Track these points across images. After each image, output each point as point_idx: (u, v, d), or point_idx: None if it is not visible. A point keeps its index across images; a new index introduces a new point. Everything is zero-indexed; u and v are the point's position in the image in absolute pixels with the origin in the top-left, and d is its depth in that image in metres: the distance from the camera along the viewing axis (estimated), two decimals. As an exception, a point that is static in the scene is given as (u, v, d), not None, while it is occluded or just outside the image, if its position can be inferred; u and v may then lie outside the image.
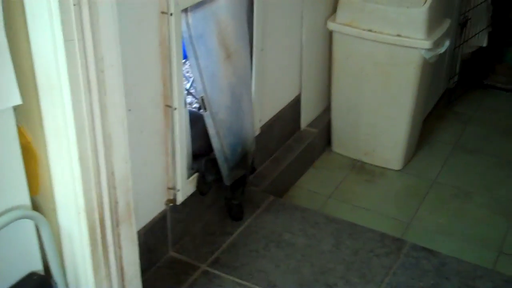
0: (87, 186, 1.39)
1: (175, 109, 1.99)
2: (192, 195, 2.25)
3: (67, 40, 1.24)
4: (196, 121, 2.18)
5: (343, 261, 2.25)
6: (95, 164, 1.40)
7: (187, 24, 1.96)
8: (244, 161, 2.36)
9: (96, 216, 1.46)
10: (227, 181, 2.29)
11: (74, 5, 1.22)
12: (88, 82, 1.31)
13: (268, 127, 2.71)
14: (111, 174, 1.47)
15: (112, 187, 1.48)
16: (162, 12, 1.85)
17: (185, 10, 1.93)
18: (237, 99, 2.29)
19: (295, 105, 2.91)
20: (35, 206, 1.48)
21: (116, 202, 1.51)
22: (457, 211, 2.77)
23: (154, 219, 2.12)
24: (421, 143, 3.20)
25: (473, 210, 2.78)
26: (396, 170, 3.04)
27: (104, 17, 1.30)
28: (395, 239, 2.37)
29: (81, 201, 1.41)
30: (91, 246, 1.47)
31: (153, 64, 1.91)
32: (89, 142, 1.36)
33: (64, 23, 1.22)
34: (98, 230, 1.47)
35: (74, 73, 1.28)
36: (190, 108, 2.47)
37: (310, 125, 3.06)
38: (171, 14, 1.85)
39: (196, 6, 1.97)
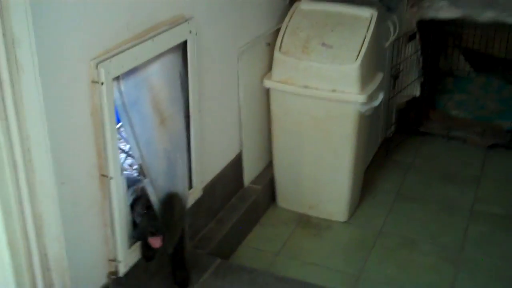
0: (18, 271, 1.32)
1: (111, 178, 1.94)
2: (135, 265, 2.18)
3: (-11, 120, 1.19)
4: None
5: (294, 323, 2.20)
6: (26, 247, 1.33)
7: (120, 91, 1.93)
8: (182, 218, 2.30)
9: (29, 302, 1.38)
10: (169, 248, 2.23)
11: (-4, 84, 1.18)
12: (13, 163, 1.26)
13: (211, 188, 2.68)
14: (44, 256, 1.40)
15: (46, 269, 1.42)
16: (93, 81, 1.81)
17: (117, 78, 1.91)
18: (173, 165, 2.25)
19: (237, 163, 2.90)
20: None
21: (52, 284, 1.44)
22: (405, 261, 2.79)
23: (95, 294, 2.03)
24: (364, 194, 3.23)
25: (420, 259, 2.80)
26: (342, 222, 3.04)
27: (28, 94, 1.26)
28: (345, 295, 2.35)
29: (11, 288, 1.33)
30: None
31: (85, 135, 1.86)
32: (18, 225, 1.29)
33: (-15, 103, 1.18)
34: (31, 318, 1.39)
35: (-3, 154, 1.23)
36: (129, 172, 2.42)
37: (254, 182, 3.05)
38: (102, 83, 1.81)
39: (128, 73, 1.95)
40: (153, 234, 2.10)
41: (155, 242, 2.11)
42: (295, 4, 2.94)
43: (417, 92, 3.66)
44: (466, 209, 3.14)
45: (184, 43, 2.24)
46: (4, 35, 1.16)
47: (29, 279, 1.36)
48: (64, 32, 1.67)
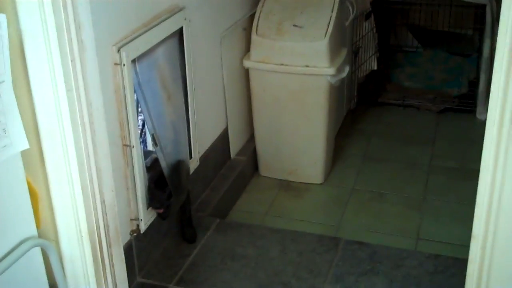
0: (88, 211, 1.64)
1: (133, 147, 2.26)
2: (150, 225, 2.50)
3: (68, 90, 1.51)
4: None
5: (291, 262, 2.57)
6: (93, 193, 1.65)
7: (136, 72, 2.25)
8: (187, 180, 2.64)
9: (96, 238, 1.70)
10: (177, 206, 2.57)
11: (71, 61, 1.50)
12: (83, 124, 1.58)
13: (205, 159, 3.02)
14: (103, 201, 1.72)
15: (104, 213, 1.74)
16: (115, 64, 2.13)
17: (133, 61, 2.23)
18: (178, 134, 2.59)
19: (224, 137, 3.25)
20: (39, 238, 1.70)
21: (108, 226, 1.76)
22: (376, 211, 3.19)
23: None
24: (335, 159, 3.62)
25: (389, 208, 3.20)
26: (319, 184, 3.43)
27: (91, 69, 1.59)
28: (331, 238, 2.74)
29: (84, 226, 1.65)
30: (95, 265, 1.70)
31: (110, 110, 2.18)
32: (87, 175, 1.62)
33: (65, 75, 1.49)
34: (98, 251, 1.71)
35: (74, 118, 1.54)
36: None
37: (239, 153, 3.40)
38: (124, 65, 2.14)
39: (141, 56, 2.28)
40: (157, 208, 2.45)
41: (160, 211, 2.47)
42: (266, -8, 3.30)
43: (374, 66, 4.07)
44: (425, 164, 3.58)
45: (180, 30, 2.57)
46: (74, 20, 1.47)
47: (95, 219, 1.68)
48: (93, 21, 1.99)
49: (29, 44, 1.48)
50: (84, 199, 1.62)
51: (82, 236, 1.67)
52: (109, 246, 1.78)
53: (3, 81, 1.45)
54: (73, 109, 1.54)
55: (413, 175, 3.48)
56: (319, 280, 2.47)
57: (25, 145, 1.53)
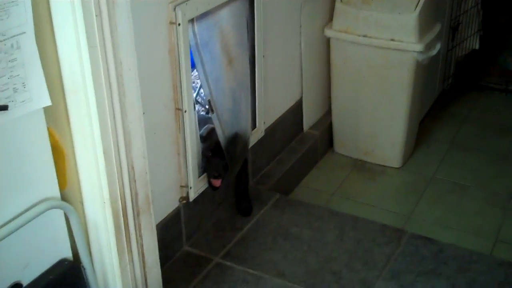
0: (111, 178, 1.56)
1: (185, 111, 2.16)
2: (202, 194, 2.41)
3: (91, 46, 1.41)
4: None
5: (347, 251, 2.39)
6: (118, 158, 1.56)
7: (194, 33, 2.13)
8: (244, 151, 2.52)
9: (120, 206, 1.62)
10: (231, 175, 2.45)
11: (96, 15, 1.39)
12: (109, 84, 1.48)
13: (272, 130, 2.87)
14: (131, 168, 1.63)
15: (132, 180, 1.65)
16: (171, 23, 2.02)
17: (192, 20, 2.11)
18: (238, 102, 2.45)
19: (297, 108, 3.08)
20: (63, 199, 1.64)
21: (136, 194, 1.67)
22: (455, 205, 2.92)
23: (168, 215, 2.28)
24: (418, 142, 3.35)
25: (469, 203, 2.92)
26: (396, 168, 3.19)
27: (122, 26, 1.47)
28: (395, 229, 2.52)
29: (106, 192, 1.57)
30: (116, 233, 1.62)
31: (163, 71, 2.08)
32: (111, 139, 1.52)
33: (88, 31, 1.39)
34: (121, 219, 1.63)
35: (97, 76, 1.45)
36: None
37: (312, 127, 3.22)
38: (179, 24, 2.02)
39: (201, 16, 2.15)
40: (215, 177, 2.34)
41: (216, 182, 2.37)
42: (358, -44, 3.05)
43: (476, 45, 3.70)
44: (519, 159, 3.24)
45: (252, -9, 2.41)
46: (103, -30, 1.36)
47: (119, 186, 1.59)
48: (147, -24, 1.88)
49: (54, -5, 1.39)
50: (106, 164, 1.53)
51: (104, 203, 1.59)
52: (136, 214, 1.70)
53: (24, 32, 1.37)
54: (97, 67, 1.44)
55: (502, 170, 3.15)
56: (373, 274, 2.28)
57: (47, 102, 1.46)
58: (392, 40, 2.86)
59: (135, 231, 1.70)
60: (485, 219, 2.81)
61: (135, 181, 1.66)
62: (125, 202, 1.64)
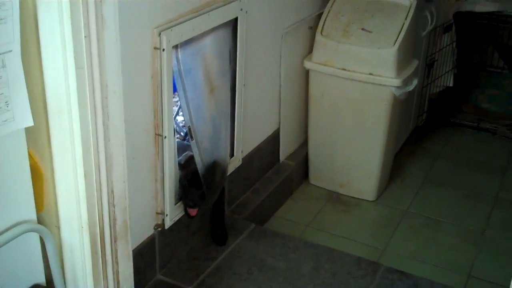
0: (90, 201, 1.52)
1: (165, 137, 2.14)
2: (177, 221, 2.37)
3: (78, 67, 1.38)
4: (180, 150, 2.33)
5: (322, 283, 2.37)
6: (98, 181, 1.53)
7: (177, 59, 2.12)
8: (222, 179, 2.50)
9: (97, 230, 1.58)
10: (208, 204, 2.42)
11: (85, 36, 1.38)
12: (94, 106, 1.46)
13: (249, 159, 2.86)
14: (111, 192, 1.59)
15: (111, 204, 1.61)
16: (155, 48, 2.01)
17: (176, 46, 2.10)
18: (217, 130, 2.44)
19: (274, 138, 3.08)
20: (39, 222, 1.59)
21: (115, 219, 1.64)
22: (428, 239, 2.93)
23: (143, 242, 2.24)
24: (393, 176, 3.37)
25: (443, 238, 2.94)
26: (371, 201, 3.20)
27: (109, 48, 1.46)
28: (370, 263, 2.52)
29: (84, 216, 1.53)
30: (92, 259, 1.58)
31: (145, 95, 2.06)
32: (93, 161, 1.49)
33: (76, 52, 1.37)
34: (99, 244, 1.59)
35: (82, 98, 1.42)
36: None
37: (288, 158, 3.22)
38: (163, 50, 2.01)
39: (185, 43, 2.14)
40: (191, 206, 2.31)
41: (192, 212, 2.34)
42: (338, -9, 3.10)
43: (450, 83, 3.78)
44: (491, 196, 3.27)
45: (235, 20, 2.42)
46: (93, -8, 1.35)
47: (98, 210, 1.55)
48: (135, 1, 1.87)
49: (43, 15, 1.37)
50: (87, 187, 1.50)
51: (82, 227, 1.55)
52: (114, 240, 1.66)
53: (10, 51, 1.34)
54: (83, 89, 1.41)
55: (475, 206, 3.19)
56: (348, 307, 2.27)
57: (29, 122, 1.43)
58: (371, 74, 2.89)
59: (112, 257, 1.66)
60: (458, 254, 2.83)
61: (114, 205, 1.62)
62: (103, 227, 1.60)
